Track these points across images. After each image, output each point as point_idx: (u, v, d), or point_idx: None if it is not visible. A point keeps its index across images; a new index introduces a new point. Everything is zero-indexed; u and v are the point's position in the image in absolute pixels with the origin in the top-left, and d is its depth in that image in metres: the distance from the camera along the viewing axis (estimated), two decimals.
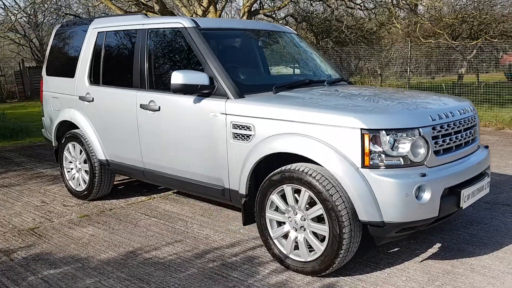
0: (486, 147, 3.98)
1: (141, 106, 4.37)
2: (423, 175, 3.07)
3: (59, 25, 5.84)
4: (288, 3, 14.00)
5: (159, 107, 4.22)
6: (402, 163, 3.08)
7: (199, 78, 3.77)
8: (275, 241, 3.54)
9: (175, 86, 3.76)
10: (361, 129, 3.04)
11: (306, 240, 3.37)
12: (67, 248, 4.01)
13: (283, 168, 3.39)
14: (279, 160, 3.53)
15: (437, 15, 12.44)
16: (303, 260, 3.38)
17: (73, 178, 5.42)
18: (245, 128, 3.61)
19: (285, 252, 3.49)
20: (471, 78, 18.85)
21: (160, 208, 5.00)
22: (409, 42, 12.11)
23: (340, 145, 3.12)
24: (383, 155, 3.05)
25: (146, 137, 4.40)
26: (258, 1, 14.01)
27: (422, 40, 11.40)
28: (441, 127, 3.28)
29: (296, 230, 3.42)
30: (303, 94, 3.84)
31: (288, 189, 3.37)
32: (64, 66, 5.47)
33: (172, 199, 5.31)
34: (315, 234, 3.33)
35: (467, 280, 3.29)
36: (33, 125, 11.27)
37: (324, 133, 3.18)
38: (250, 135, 3.58)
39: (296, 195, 3.38)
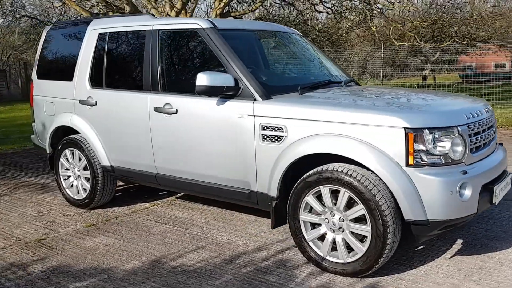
0: (501, 144, 4.10)
1: (155, 109, 4.23)
2: (464, 172, 3.13)
3: (50, 26, 5.57)
4: (258, 6, 14.03)
5: (176, 109, 4.10)
6: (443, 161, 3.12)
7: (224, 79, 3.69)
8: (310, 243, 3.51)
9: (200, 87, 3.67)
10: (405, 128, 3.06)
11: (345, 241, 3.35)
12: (84, 259, 3.81)
13: (319, 169, 3.36)
14: (307, 162, 3.50)
15: (407, 18, 12.83)
16: (342, 261, 3.36)
17: (71, 186, 5.18)
18: (276, 129, 3.56)
19: (321, 254, 3.46)
20: (429, 80, 19.57)
21: (169, 214, 4.86)
22: (382, 45, 12.43)
23: (383, 145, 3.13)
24: (426, 154, 3.08)
25: (160, 141, 4.27)
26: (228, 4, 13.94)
27: (396, 42, 11.71)
28: (474, 125, 3.35)
29: (333, 231, 3.39)
30: (331, 95, 3.84)
31: (325, 190, 3.35)
32: (60, 69, 5.24)
33: (177, 205, 5.17)
34: (354, 234, 3.31)
35: (501, 274, 3.37)
36: None
37: (366, 133, 3.18)
38: (282, 136, 3.53)
39: (330, 196, 3.35)
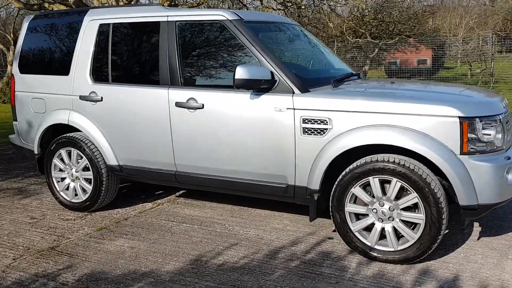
0: None
1: (177, 104, 4.06)
2: (508, 158, 3.33)
3: (32, 16, 5.13)
4: (204, 2, 13.82)
5: (203, 104, 3.96)
6: (489, 148, 3.30)
7: (262, 72, 3.63)
8: (356, 234, 3.56)
9: (240, 81, 3.58)
10: (459, 117, 3.20)
11: (394, 229, 3.44)
12: (117, 264, 3.59)
13: (368, 159, 3.42)
14: (343, 154, 3.55)
15: (359, 15, 13.29)
16: (392, 249, 3.45)
17: (66, 189, 4.83)
18: (319, 122, 3.56)
19: (369, 244, 3.52)
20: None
21: (181, 213, 4.69)
22: (335, 42, 12.79)
23: (438, 134, 3.24)
24: (477, 142, 3.24)
25: (182, 137, 4.10)
26: None
27: (350, 39, 12.11)
28: (506, 114, 3.58)
29: (382, 221, 3.47)
30: (367, 87, 3.91)
31: (375, 180, 3.41)
32: (50, 63, 4.85)
33: (184, 203, 5.00)
34: (404, 222, 3.41)
35: None
36: None
37: (419, 123, 3.28)
38: (326, 129, 3.54)
39: (380, 186, 3.42)
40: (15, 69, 5.08)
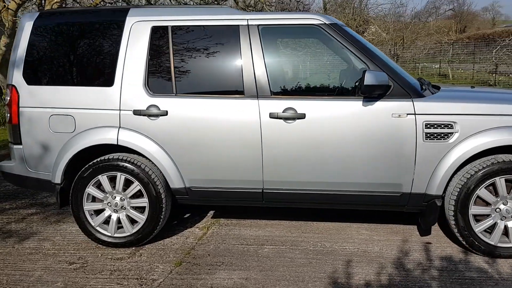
0: None
1: (272, 115, 3.68)
2: None
3: (36, 14, 4.16)
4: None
5: (304, 114, 3.65)
6: None
7: (384, 77, 3.50)
8: (480, 235, 3.62)
9: (367, 87, 3.42)
10: None
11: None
12: None
13: (494, 160, 3.51)
14: None
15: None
16: None
17: (105, 222, 4.04)
18: (443, 126, 3.55)
19: (492, 243, 3.61)
20: None
21: (245, 235, 4.24)
22: None
23: None
24: None
25: (276, 151, 3.72)
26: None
27: None
28: None
29: (505, 218, 3.59)
30: (470, 91, 4.06)
31: (501, 181, 3.52)
32: (79, 71, 4.00)
33: (232, 224, 4.52)
34: None
35: None
36: None
37: None
38: (451, 133, 3.55)
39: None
40: (16, 79, 4.07)
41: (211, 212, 4.89)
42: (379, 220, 4.51)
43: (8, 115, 4.11)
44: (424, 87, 3.88)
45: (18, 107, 4.05)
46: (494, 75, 19.49)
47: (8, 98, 4.10)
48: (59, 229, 4.51)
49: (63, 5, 11.66)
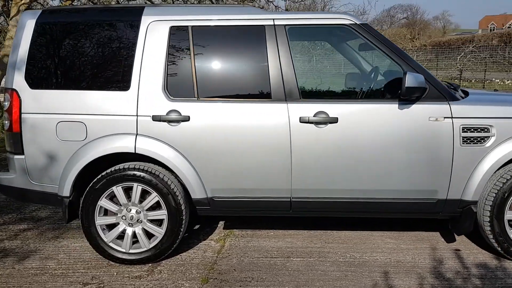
0: None
1: (302, 120, 3.49)
2: None
3: (39, 11, 3.82)
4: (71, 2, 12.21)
5: (337, 118, 3.48)
6: None
7: (422, 79, 3.37)
8: None
9: (410, 89, 3.30)
10: None
11: None
12: None
13: None
14: None
15: None
16: None
17: (119, 238, 3.73)
18: (480, 130, 3.45)
19: None
20: None
21: (267, 247, 4.01)
22: None
23: None
24: None
25: (306, 157, 3.53)
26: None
27: None
28: None
29: None
30: (498, 94, 3.99)
31: None
32: (91, 74, 3.68)
33: (247, 235, 4.28)
34: None
35: None
36: None
37: None
38: (488, 137, 3.46)
39: None
40: (18, 82, 3.71)
41: (221, 223, 4.64)
42: (400, 228, 4.39)
43: (7, 122, 3.74)
44: (455, 91, 3.78)
45: (20, 113, 3.70)
46: (458, 81, 20.02)
47: (8, 104, 3.73)
48: (60, 246, 4.14)
49: (30, 7, 11.12)
